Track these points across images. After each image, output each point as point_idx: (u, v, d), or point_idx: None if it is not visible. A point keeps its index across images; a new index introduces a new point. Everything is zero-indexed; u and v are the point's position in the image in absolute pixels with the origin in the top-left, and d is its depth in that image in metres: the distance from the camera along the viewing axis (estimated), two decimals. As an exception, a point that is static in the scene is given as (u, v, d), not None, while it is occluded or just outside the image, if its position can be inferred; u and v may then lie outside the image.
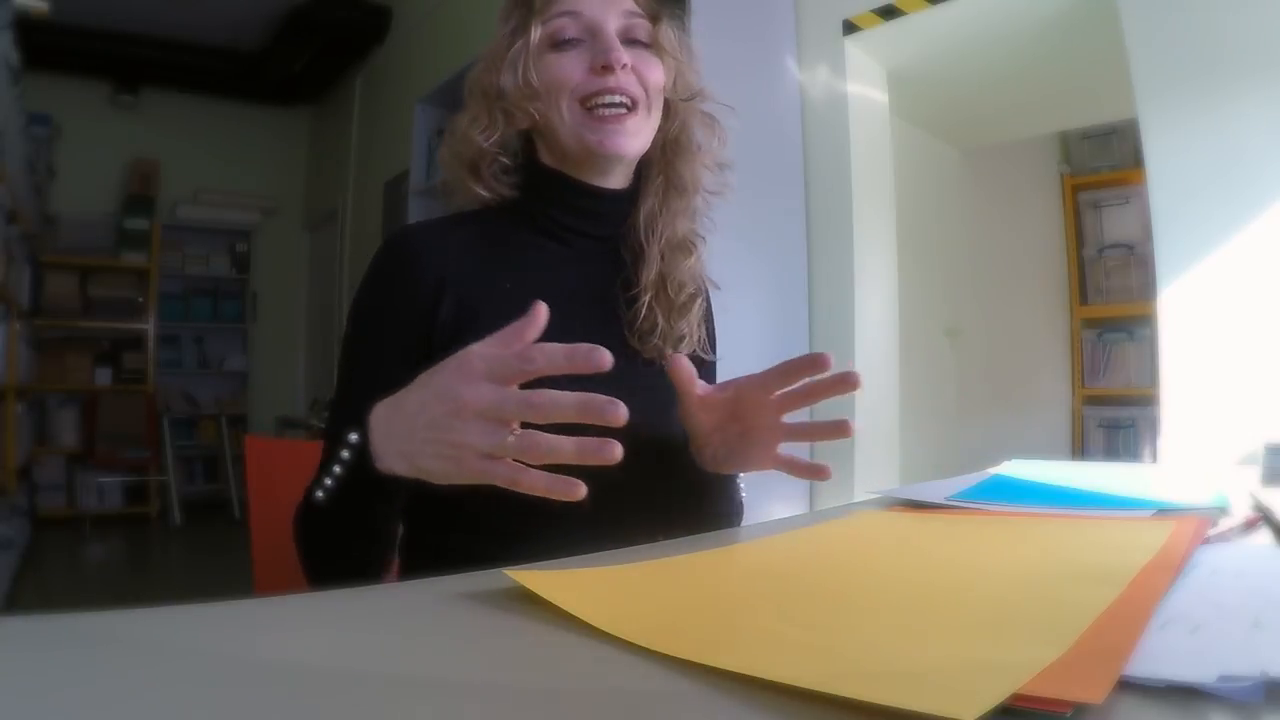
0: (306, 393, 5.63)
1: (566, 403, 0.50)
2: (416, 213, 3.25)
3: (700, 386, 0.73)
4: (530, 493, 0.51)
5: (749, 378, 0.71)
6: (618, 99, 0.78)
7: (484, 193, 0.83)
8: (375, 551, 0.72)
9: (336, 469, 0.64)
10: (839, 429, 0.66)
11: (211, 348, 5.77)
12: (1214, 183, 1.53)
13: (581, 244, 0.85)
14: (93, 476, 4.87)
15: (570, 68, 0.78)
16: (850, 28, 2.13)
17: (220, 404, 5.65)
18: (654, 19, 0.83)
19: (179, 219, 5.51)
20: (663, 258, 0.85)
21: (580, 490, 0.49)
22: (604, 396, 0.48)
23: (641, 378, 0.84)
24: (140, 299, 5.28)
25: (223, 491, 5.33)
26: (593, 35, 0.79)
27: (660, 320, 0.84)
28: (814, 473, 0.69)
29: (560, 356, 0.50)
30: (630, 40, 0.80)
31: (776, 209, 2.14)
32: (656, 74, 0.81)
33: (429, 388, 0.57)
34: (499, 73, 0.81)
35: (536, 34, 0.79)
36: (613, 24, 0.79)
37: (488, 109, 0.82)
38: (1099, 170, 3.42)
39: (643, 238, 0.86)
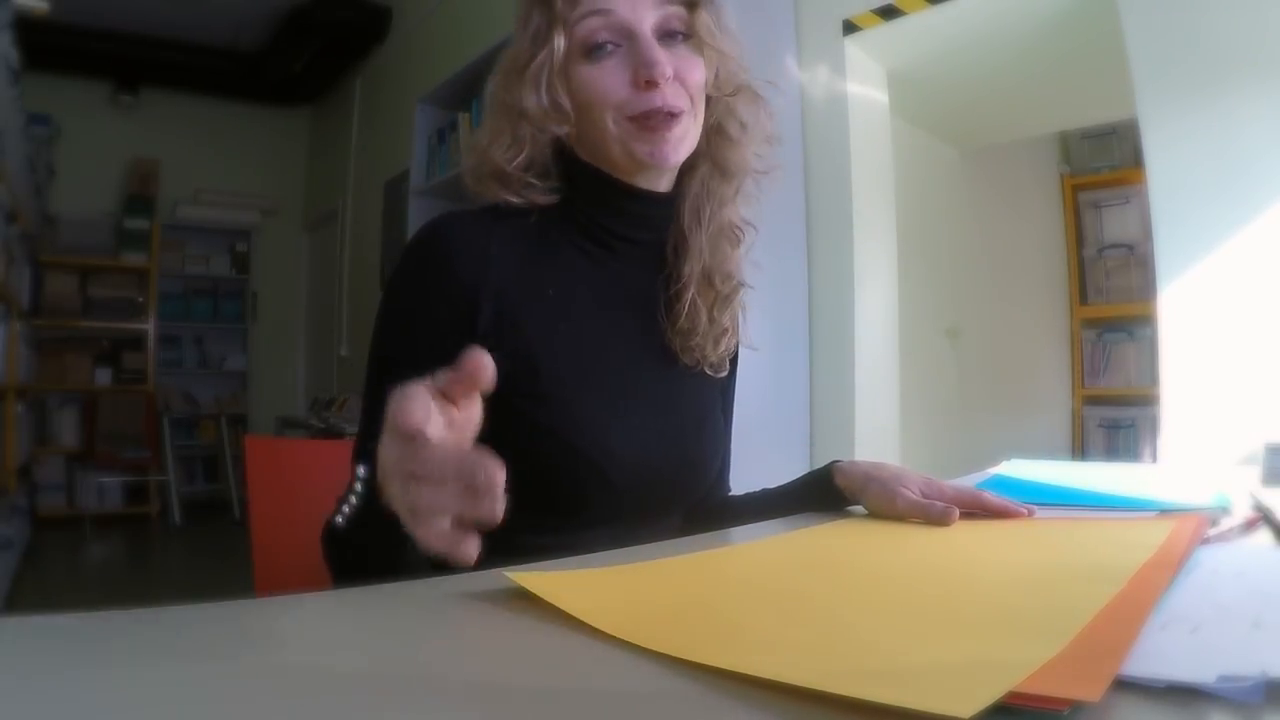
0: (306, 393, 5.62)
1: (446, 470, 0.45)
2: (416, 212, 3.25)
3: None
4: (431, 551, 0.47)
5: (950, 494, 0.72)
6: (665, 113, 0.72)
7: (516, 201, 0.77)
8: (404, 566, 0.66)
9: (352, 499, 0.60)
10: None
11: (211, 348, 5.78)
12: (1214, 183, 1.53)
13: (626, 248, 0.80)
14: (93, 476, 4.87)
15: (611, 82, 0.72)
16: (850, 28, 2.13)
17: (220, 404, 5.65)
18: (690, 4, 0.75)
19: (179, 219, 5.51)
20: (708, 248, 0.81)
21: (471, 554, 0.45)
22: (479, 460, 0.44)
23: (676, 394, 0.82)
24: (140, 299, 5.28)
25: (223, 491, 5.33)
26: (629, 38, 0.72)
27: (703, 316, 0.81)
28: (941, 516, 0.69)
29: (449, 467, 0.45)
30: (667, 34, 0.74)
31: (776, 209, 2.14)
32: (697, 73, 0.75)
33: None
34: (521, 88, 0.74)
35: (562, 44, 0.72)
36: (648, 21, 0.72)
37: (510, 128, 0.75)
38: (1099, 170, 3.42)
39: (687, 229, 0.81)
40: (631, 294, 0.81)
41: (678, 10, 0.74)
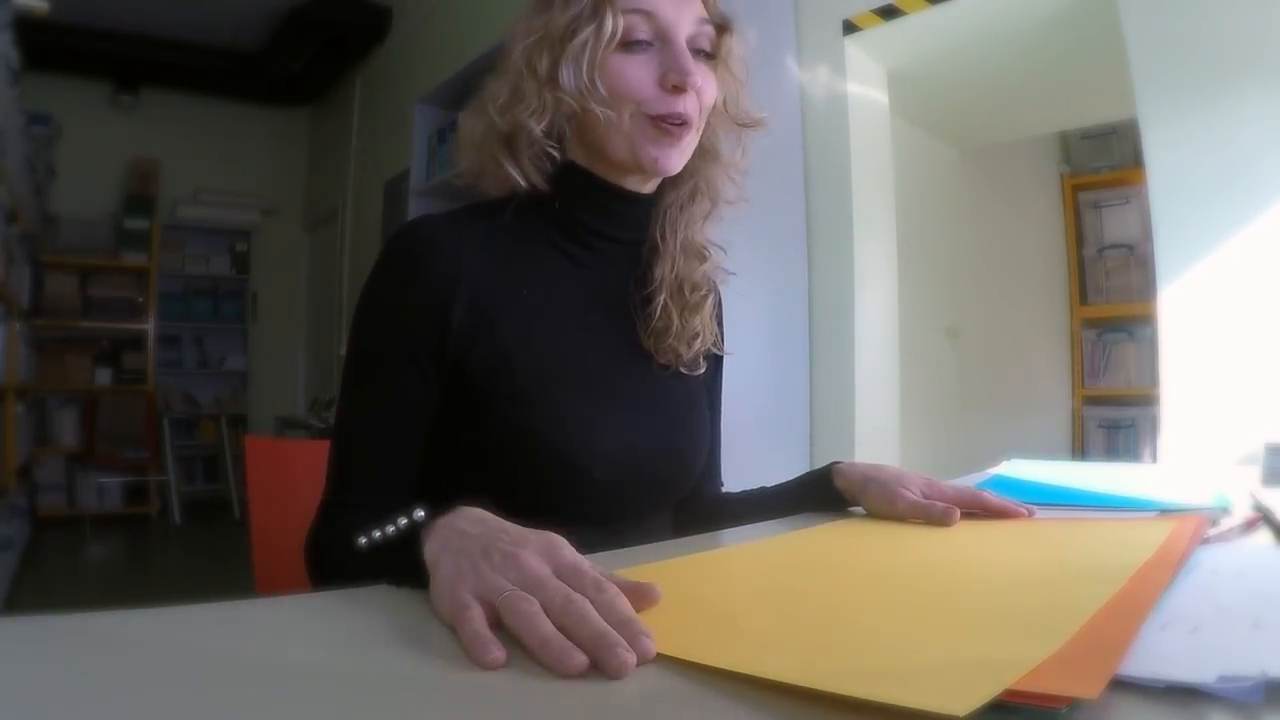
0: (306, 393, 5.62)
1: (587, 631, 0.40)
2: (416, 212, 3.23)
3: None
4: (461, 639, 0.42)
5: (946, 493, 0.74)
6: (680, 119, 0.74)
7: (515, 174, 0.76)
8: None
9: (390, 528, 0.59)
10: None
11: (211, 348, 5.77)
12: (1214, 183, 1.53)
13: (604, 247, 0.81)
14: (93, 476, 4.87)
15: (640, 77, 0.73)
16: (850, 28, 2.13)
17: (220, 404, 5.65)
18: (720, 29, 0.77)
19: (179, 219, 5.50)
20: (680, 258, 0.83)
21: (496, 662, 0.39)
22: (617, 660, 0.37)
23: (656, 391, 0.82)
24: (140, 299, 5.27)
25: (223, 491, 5.33)
26: (663, 41, 0.73)
27: (675, 319, 0.82)
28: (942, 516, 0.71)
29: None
30: (695, 50, 0.75)
31: (776, 209, 2.14)
32: (711, 91, 0.76)
33: (505, 527, 0.52)
34: (558, 58, 0.73)
35: (620, 26, 0.72)
36: (684, 31, 0.74)
37: (538, 91, 0.74)
38: (1099, 170, 3.42)
39: (660, 237, 0.83)
40: (609, 293, 0.82)
41: (709, 30, 0.76)
